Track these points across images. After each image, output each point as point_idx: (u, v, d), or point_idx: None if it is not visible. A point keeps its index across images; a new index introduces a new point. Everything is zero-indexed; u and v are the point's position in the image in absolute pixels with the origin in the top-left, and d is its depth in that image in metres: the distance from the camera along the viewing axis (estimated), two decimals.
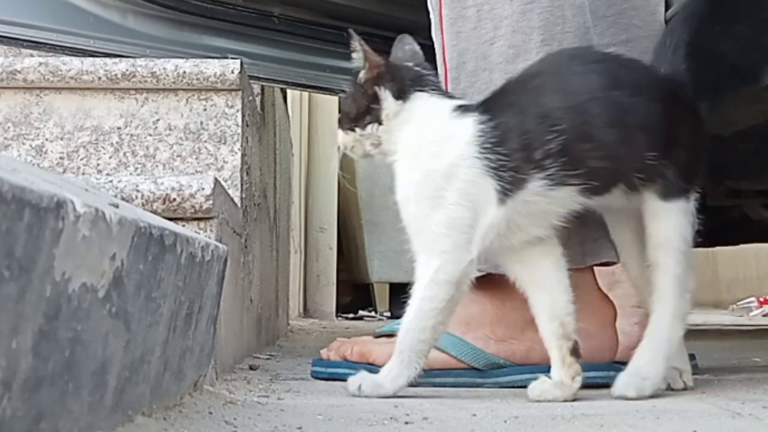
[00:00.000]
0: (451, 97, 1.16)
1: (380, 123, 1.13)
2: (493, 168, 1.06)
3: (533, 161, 1.05)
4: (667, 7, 1.40)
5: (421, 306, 1.09)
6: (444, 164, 1.07)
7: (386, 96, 1.12)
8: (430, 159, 1.09)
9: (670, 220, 1.10)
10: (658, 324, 1.10)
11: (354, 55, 1.14)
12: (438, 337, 1.12)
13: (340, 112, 1.21)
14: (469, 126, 1.08)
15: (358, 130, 1.14)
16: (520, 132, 1.07)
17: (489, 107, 1.11)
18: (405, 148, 1.12)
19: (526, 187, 1.05)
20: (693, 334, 2.73)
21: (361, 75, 1.14)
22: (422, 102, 1.12)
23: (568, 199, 1.08)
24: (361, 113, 1.13)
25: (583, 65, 1.10)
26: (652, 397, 1.06)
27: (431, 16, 1.35)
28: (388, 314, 4.47)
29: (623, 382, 1.08)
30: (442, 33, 1.30)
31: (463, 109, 1.11)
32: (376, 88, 1.12)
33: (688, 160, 1.11)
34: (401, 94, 1.12)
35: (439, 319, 1.09)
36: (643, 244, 1.13)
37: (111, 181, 1.14)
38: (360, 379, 1.11)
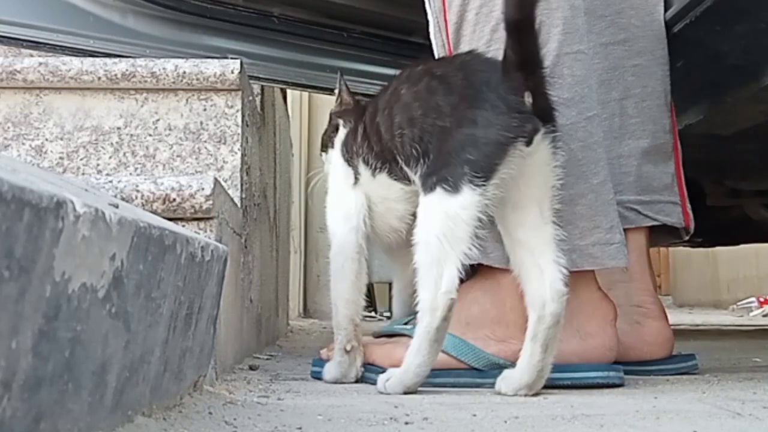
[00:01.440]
0: None
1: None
2: (345, 157, 1.27)
3: (355, 151, 1.25)
4: (667, 7, 1.40)
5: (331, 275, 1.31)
6: (332, 164, 1.31)
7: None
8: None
9: (428, 213, 1.10)
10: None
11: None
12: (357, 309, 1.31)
13: None
14: (341, 131, 1.31)
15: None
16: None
17: None
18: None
19: (360, 172, 1.24)
20: (693, 334, 2.74)
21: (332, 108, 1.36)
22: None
23: (393, 186, 1.20)
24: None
25: (409, 73, 1.19)
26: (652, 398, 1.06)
27: (430, 19, 1.35)
28: (389, 314, 4.46)
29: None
30: (447, 37, 1.30)
31: None
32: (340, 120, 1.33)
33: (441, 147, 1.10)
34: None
35: (349, 279, 1.31)
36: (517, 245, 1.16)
37: (111, 181, 1.14)
38: (326, 367, 1.28)
